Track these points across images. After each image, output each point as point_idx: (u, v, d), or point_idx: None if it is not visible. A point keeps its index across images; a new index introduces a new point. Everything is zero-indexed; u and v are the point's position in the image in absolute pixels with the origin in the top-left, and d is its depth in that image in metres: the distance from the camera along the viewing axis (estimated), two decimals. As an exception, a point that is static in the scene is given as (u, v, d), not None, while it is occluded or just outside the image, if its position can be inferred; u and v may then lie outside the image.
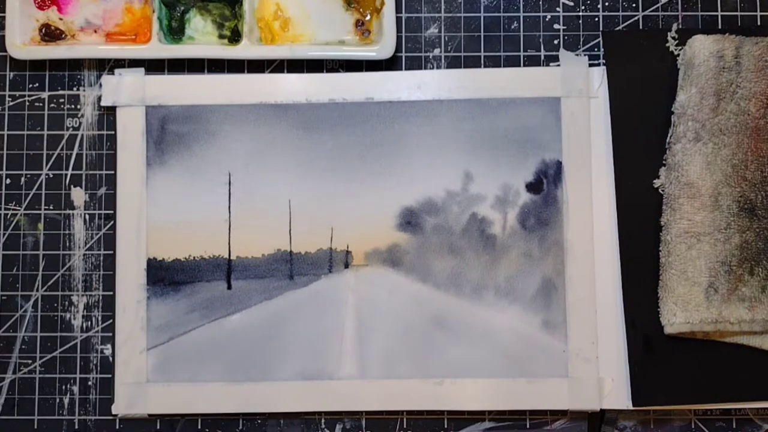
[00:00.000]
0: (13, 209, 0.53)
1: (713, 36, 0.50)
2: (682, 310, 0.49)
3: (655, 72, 0.52)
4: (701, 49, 0.50)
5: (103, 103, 0.53)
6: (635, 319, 0.50)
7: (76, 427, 0.52)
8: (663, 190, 0.51)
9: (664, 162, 0.51)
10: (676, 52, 0.52)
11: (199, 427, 0.52)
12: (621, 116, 0.51)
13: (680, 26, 0.53)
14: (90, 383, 0.52)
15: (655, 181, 0.51)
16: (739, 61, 0.50)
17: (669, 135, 0.51)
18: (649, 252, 0.50)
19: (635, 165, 0.51)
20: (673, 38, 0.52)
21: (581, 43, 0.54)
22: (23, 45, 0.53)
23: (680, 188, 0.50)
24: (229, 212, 0.52)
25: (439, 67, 0.54)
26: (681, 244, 0.49)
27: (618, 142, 0.51)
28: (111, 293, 0.52)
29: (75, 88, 0.54)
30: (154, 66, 0.53)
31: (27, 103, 0.54)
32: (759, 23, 0.54)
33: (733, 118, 0.50)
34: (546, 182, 0.52)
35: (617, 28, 0.54)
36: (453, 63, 0.54)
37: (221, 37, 0.54)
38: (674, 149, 0.50)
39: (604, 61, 0.53)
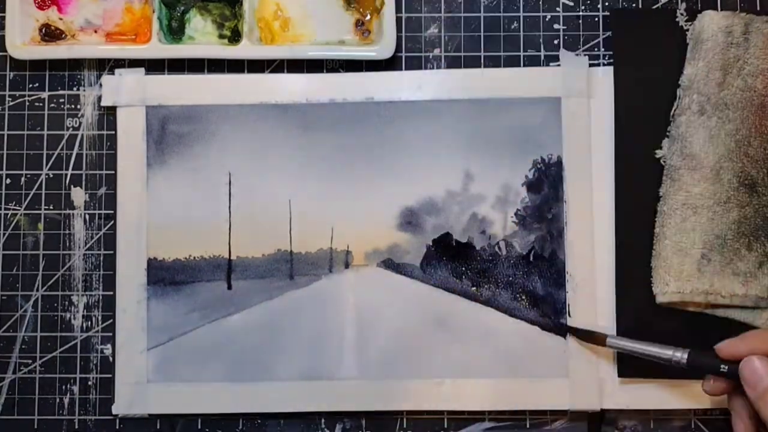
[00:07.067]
0: (13, 209, 0.53)
1: (723, 12, 0.51)
2: (674, 280, 0.49)
3: (662, 48, 0.51)
4: (710, 23, 0.50)
5: (103, 103, 0.53)
6: (626, 291, 0.50)
7: (76, 427, 0.52)
8: (664, 161, 0.51)
9: (667, 134, 0.51)
10: (685, 27, 0.51)
11: (199, 426, 0.52)
12: (625, 87, 0.51)
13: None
14: (90, 383, 0.52)
15: (657, 151, 0.51)
16: (747, 38, 0.50)
17: (674, 107, 0.51)
18: (645, 225, 0.50)
19: (637, 137, 0.51)
20: (682, 15, 0.52)
21: (581, 43, 0.54)
22: (23, 45, 0.53)
23: (682, 159, 0.50)
24: (230, 212, 0.52)
25: (439, 67, 0.54)
26: (676, 216, 0.49)
27: (620, 113, 0.51)
28: (111, 293, 0.52)
29: (75, 88, 0.54)
30: (154, 66, 0.53)
31: (27, 103, 0.54)
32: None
33: (739, 94, 0.50)
34: (546, 182, 0.52)
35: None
36: (453, 63, 0.54)
37: (221, 37, 0.54)
38: (678, 121, 0.50)
39: (607, 58, 0.53)
